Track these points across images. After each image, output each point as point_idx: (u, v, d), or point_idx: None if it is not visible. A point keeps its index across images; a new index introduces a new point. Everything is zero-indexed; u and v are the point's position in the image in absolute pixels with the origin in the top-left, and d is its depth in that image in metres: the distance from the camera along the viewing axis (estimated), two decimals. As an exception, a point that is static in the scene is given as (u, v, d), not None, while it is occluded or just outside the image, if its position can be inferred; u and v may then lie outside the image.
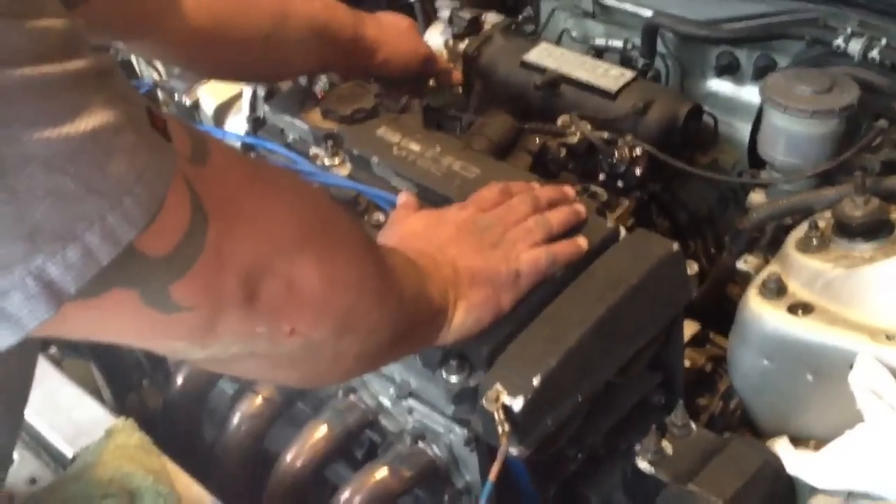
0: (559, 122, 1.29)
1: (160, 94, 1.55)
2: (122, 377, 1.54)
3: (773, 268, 1.12)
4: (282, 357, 0.75)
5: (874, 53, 1.29)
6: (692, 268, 1.11)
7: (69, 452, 1.02)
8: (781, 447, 1.05)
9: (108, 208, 0.54)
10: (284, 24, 1.22)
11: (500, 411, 0.91)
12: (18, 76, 0.50)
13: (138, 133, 0.56)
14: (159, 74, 1.57)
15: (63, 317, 0.55)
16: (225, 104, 1.48)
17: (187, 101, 1.49)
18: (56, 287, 0.53)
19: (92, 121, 0.53)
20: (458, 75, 1.48)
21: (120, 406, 1.34)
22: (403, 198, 1.10)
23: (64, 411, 1.07)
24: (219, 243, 0.63)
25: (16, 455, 1.03)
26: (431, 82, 1.38)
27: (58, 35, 0.53)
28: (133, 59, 1.60)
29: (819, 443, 1.05)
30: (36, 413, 1.08)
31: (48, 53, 0.52)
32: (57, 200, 0.52)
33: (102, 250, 0.54)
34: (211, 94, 1.48)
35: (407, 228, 1.00)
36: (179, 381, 1.27)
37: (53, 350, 1.23)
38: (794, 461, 1.01)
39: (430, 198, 1.12)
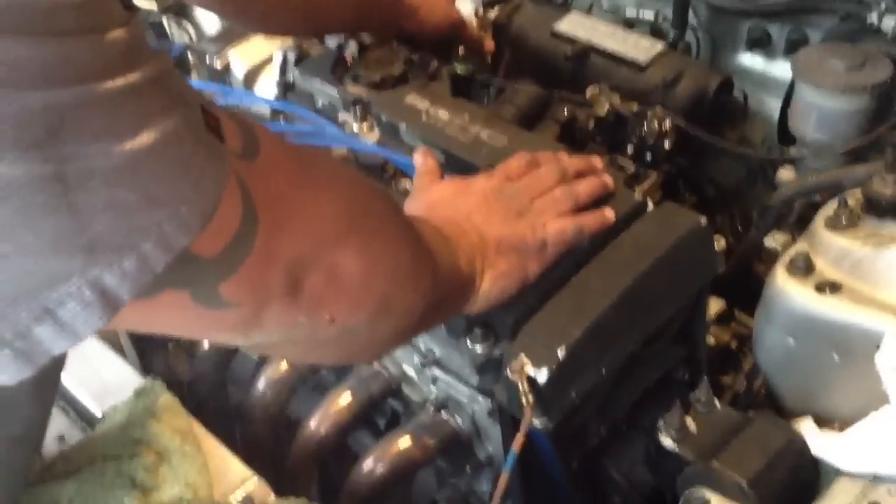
0: (588, 93, 1.28)
1: (191, 56, 1.54)
2: (148, 340, 1.55)
3: (800, 245, 1.11)
4: (319, 342, 0.76)
5: (909, 30, 1.27)
6: (719, 243, 1.10)
7: (97, 411, 1.02)
8: (806, 427, 1.05)
9: (165, 218, 0.54)
10: None
11: (525, 382, 0.92)
12: (85, 93, 0.50)
13: (196, 139, 0.57)
14: (190, 38, 1.57)
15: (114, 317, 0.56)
16: (255, 68, 1.47)
17: (218, 65, 1.49)
18: (111, 295, 0.53)
19: (153, 134, 0.53)
20: (490, 44, 1.47)
21: (146, 369, 1.35)
22: (421, 159, 1.09)
23: (93, 370, 1.08)
24: (267, 241, 0.64)
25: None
26: (461, 50, 1.37)
27: (122, 46, 0.52)
28: (164, 20, 1.59)
29: (844, 424, 1.04)
30: (65, 371, 1.08)
31: (113, 67, 0.52)
32: (117, 213, 0.52)
33: (158, 258, 0.54)
34: (242, 57, 1.48)
35: (434, 196, 1.00)
36: (206, 344, 1.27)
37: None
38: (819, 442, 1.01)
39: (458, 166, 1.12)
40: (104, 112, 0.51)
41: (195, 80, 1.50)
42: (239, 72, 1.48)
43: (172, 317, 0.63)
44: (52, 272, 0.51)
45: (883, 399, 0.98)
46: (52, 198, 0.49)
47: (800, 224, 1.22)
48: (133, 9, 0.55)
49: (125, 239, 0.53)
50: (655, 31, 1.55)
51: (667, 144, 1.26)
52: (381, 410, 1.22)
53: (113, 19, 0.52)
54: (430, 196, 1.02)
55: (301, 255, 0.68)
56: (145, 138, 0.53)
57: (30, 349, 0.52)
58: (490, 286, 0.95)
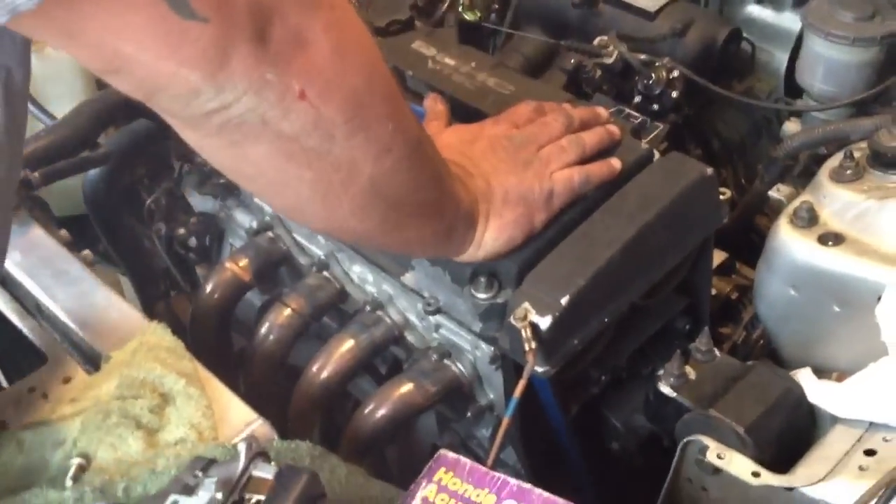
0: (596, 41, 1.27)
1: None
2: (150, 286, 1.56)
3: (805, 197, 1.12)
4: (293, 141, 0.75)
5: (920, -18, 1.26)
6: (724, 193, 1.10)
7: (102, 353, 1.03)
8: (804, 377, 1.05)
9: None
10: None
11: (528, 329, 0.92)
12: None
13: None
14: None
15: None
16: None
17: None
18: None
19: None
20: None
21: (148, 315, 1.36)
22: (431, 103, 1.09)
23: (97, 312, 1.08)
24: None
25: (49, 354, 1.05)
26: (467, -3, 1.36)
27: None
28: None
29: (842, 375, 1.05)
30: (69, 313, 1.09)
31: None
32: None
33: None
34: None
35: (441, 141, 1.00)
36: (208, 289, 1.28)
37: (86, 252, 1.24)
38: (817, 390, 1.02)
39: (464, 112, 1.12)
40: None
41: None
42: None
43: (139, 16, 0.63)
44: None
45: (882, 350, 0.98)
46: None
47: (804, 177, 1.22)
48: None
49: None
50: (664, -20, 1.53)
51: (674, 94, 1.25)
52: (383, 357, 1.23)
53: None
54: (437, 142, 1.02)
55: None
56: None
57: None
58: (496, 235, 0.95)
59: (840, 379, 1.03)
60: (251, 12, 0.67)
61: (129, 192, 1.47)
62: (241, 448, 0.76)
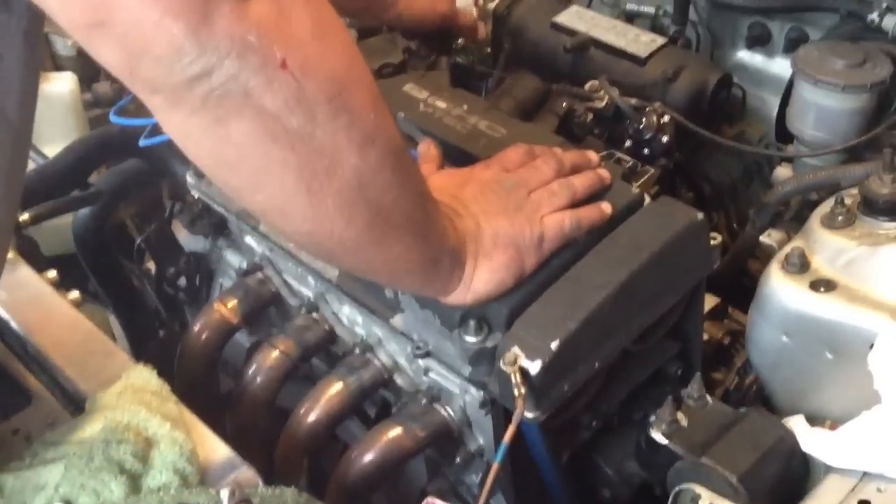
0: (587, 86, 1.28)
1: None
2: (139, 326, 1.55)
3: (796, 243, 1.11)
4: (276, 119, 0.75)
5: (909, 30, 1.27)
6: (716, 239, 1.10)
7: (87, 394, 1.02)
8: (797, 424, 1.05)
9: None
10: None
11: (517, 374, 0.91)
12: None
13: None
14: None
15: None
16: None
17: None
18: None
19: None
20: (482, 31, 1.46)
21: (136, 355, 1.34)
22: (424, 147, 1.10)
23: (83, 353, 1.07)
24: None
25: (34, 396, 1.04)
26: (460, 41, 1.37)
27: None
28: None
29: (835, 423, 1.04)
30: (55, 354, 1.08)
31: None
32: None
33: None
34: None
35: (431, 184, 0.99)
36: (196, 329, 1.27)
37: (75, 294, 1.23)
38: (810, 439, 1.01)
39: (455, 155, 1.12)
40: None
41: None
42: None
43: None
44: None
45: (875, 398, 0.98)
46: None
47: (796, 222, 1.22)
48: None
49: None
50: (656, 26, 1.55)
51: (665, 139, 1.26)
52: (371, 400, 1.22)
53: None
54: (429, 184, 1.02)
55: None
56: None
57: None
58: (487, 278, 0.95)
59: (833, 427, 1.03)
60: None
61: (118, 231, 1.46)
62: (224, 495, 0.75)
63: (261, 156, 0.77)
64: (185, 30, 0.68)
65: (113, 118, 1.25)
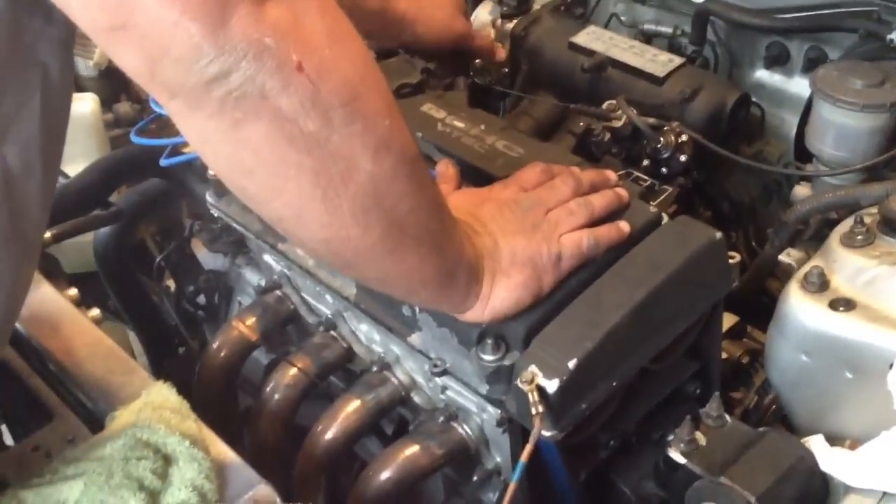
0: (605, 105, 1.28)
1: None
2: (159, 343, 1.56)
3: (816, 262, 1.11)
4: (293, 122, 0.75)
5: (929, 50, 1.27)
6: (734, 257, 1.10)
7: (107, 412, 1.02)
8: (816, 444, 1.04)
9: None
10: None
11: (535, 393, 0.91)
12: None
13: None
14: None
15: None
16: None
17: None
18: None
19: None
20: (501, 52, 1.47)
21: (156, 372, 1.35)
22: (442, 167, 1.10)
23: (103, 371, 1.08)
24: None
25: (54, 413, 1.05)
26: (478, 61, 1.37)
27: None
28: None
29: (855, 442, 1.03)
30: (75, 371, 1.09)
31: None
32: None
33: None
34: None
35: (449, 203, 1.00)
36: (214, 347, 1.27)
37: (95, 312, 1.24)
38: (829, 458, 1.00)
39: (473, 175, 1.12)
40: None
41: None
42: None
43: None
44: None
45: (895, 418, 0.97)
46: None
47: (815, 241, 1.21)
48: None
49: None
50: (673, 45, 1.55)
51: (683, 158, 1.26)
52: (389, 418, 1.22)
53: None
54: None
55: None
56: None
57: None
58: (504, 295, 0.95)
59: (853, 447, 1.02)
60: None
61: (139, 249, 1.47)
62: (243, 512, 0.76)
63: (277, 160, 0.78)
64: (203, 30, 0.70)
65: (134, 138, 1.27)
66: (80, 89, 1.93)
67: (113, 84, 1.99)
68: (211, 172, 1.24)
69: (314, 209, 0.81)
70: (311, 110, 0.76)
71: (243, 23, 0.71)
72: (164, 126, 1.29)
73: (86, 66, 1.98)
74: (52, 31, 0.83)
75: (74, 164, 1.46)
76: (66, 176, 1.44)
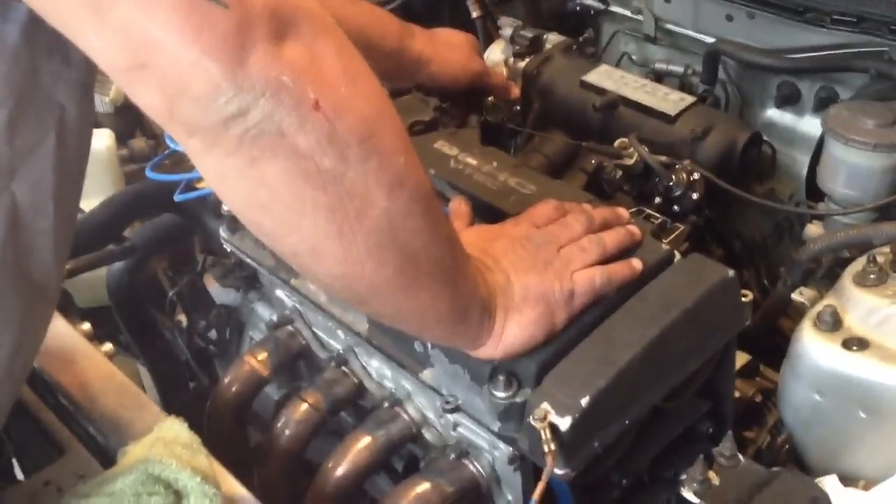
0: (616, 143, 1.29)
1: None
2: (169, 378, 1.56)
3: (828, 301, 1.11)
4: (309, 159, 0.76)
5: (940, 90, 1.28)
6: (747, 296, 1.10)
7: (118, 447, 1.02)
8: (830, 484, 1.03)
9: None
10: None
11: (547, 430, 0.91)
12: None
13: None
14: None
15: None
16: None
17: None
18: None
19: None
20: (515, 91, 1.48)
21: (166, 407, 1.35)
22: (455, 204, 1.11)
23: (115, 406, 1.08)
24: None
25: (66, 448, 1.05)
26: (490, 99, 1.38)
27: None
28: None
29: (869, 483, 1.03)
30: (87, 406, 1.09)
31: None
32: None
33: None
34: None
35: (462, 239, 1.00)
36: (226, 382, 1.27)
37: (108, 346, 1.25)
38: (843, 499, 1.00)
39: (485, 212, 1.13)
40: None
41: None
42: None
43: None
44: None
45: (910, 459, 0.96)
46: None
47: (827, 280, 1.21)
48: None
49: None
50: (685, 84, 1.56)
51: (694, 196, 1.26)
52: (399, 454, 1.21)
53: None
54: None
55: (282, 3, 0.73)
56: None
57: None
58: (517, 331, 0.95)
59: (867, 487, 1.01)
60: (269, 10, 0.72)
61: (151, 284, 1.48)
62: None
63: (294, 196, 0.78)
64: (222, 70, 0.71)
65: (149, 173, 1.28)
66: (96, 125, 1.94)
67: (128, 119, 2.01)
68: (225, 208, 1.24)
69: (329, 245, 0.81)
70: (327, 148, 0.77)
71: (261, 62, 0.72)
72: (179, 162, 1.30)
73: (101, 103, 1.99)
74: (71, 74, 0.84)
75: (89, 199, 1.47)
76: (81, 211, 1.44)
